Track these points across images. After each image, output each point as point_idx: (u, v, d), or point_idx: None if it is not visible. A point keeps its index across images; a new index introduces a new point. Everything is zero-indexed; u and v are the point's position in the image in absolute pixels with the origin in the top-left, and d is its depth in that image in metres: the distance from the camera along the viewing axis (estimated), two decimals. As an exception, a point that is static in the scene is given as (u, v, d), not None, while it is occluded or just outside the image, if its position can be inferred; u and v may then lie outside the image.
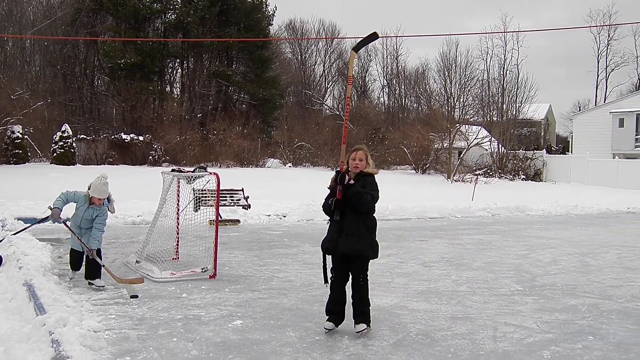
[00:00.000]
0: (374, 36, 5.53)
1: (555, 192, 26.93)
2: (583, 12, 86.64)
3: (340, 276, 5.37)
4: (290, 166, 37.77)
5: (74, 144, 31.09)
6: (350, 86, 5.82)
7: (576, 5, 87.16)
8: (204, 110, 42.91)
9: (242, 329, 5.48)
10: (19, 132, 29.33)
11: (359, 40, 5.66)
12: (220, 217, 11.34)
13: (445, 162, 35.52)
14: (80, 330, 4.80)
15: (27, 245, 8.19)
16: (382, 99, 65.05)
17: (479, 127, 39.27)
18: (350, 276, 5.38)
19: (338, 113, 52.99)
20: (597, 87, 60.98)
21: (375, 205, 5.34)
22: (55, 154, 29.94)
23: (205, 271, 7.63)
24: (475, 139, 36.21)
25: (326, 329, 5.37)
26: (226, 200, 14.37)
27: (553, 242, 11.85)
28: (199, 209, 9.75)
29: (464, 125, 37.85)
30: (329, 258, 5.42)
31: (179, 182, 8.58)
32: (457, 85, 44.23)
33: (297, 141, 39.20)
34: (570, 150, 43.06)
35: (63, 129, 30.34)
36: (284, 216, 14.49)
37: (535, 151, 39.31)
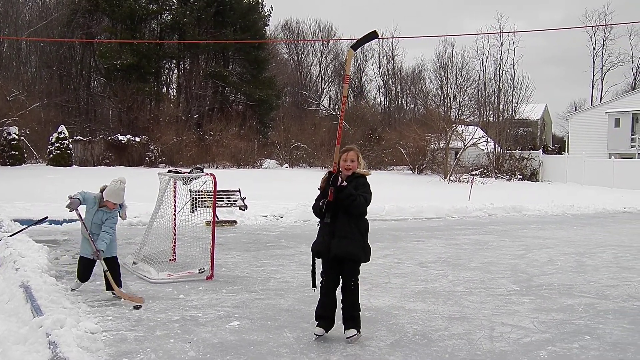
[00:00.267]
0: (373, 35, 5.38)
1: (552, 192, 26.99)
2: (579, 13, 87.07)
3: (331, 280, 5.23)
4: (287, 167, 37.78)
5: (71, 145, 31.06)
6: (347, 85, 5.66)
7: (572, 5, 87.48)
8: (201, 111, 42.89)
9: (240, 330, 5.48)
10: (15, 133, 29.29)
11: (358, 38, 5.48)
12: (217, 218, 11.32)
13: (441, 163, 35.58)
14: (77, 332, 4.79)
15: (23, 246, 8.19)
16: (378, 99, 65.25)
17: (476, 128, 39.33)
18: (341, 280, 5.25)
19: (335, 114, 53.08)
20: (592, 87, 61.30)
21: (368, 207, 5.22)
22: (51, 155, 29.90)
23: (202, 272, 7.62)
24: (471, 139, 36.28)
25: (316, 334, 5.22)
26: (223, 201, 14.35)
27: (549, 242, 11.87)
28: (196, 210, 9.75)
29: (460, 126, 37.94)
30: (318, 261, 5.26)
31: (175, 183, 8.57)
32: (454, 85, 44.36)
33: (293, 142, 39.21)
34: (566, 150, 43.17)
35: (59, 130, 30.31)
36: (281, 217, 14.49)
37: (532, 151, 39.42)
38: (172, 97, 45.15)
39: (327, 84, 65.62)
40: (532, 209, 18.25)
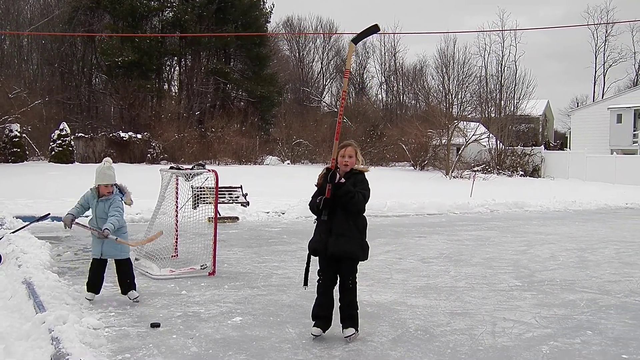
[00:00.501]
0: (374, 28, 5.25)
1: (554, 188, 26.95)
2: (581, 9, 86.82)
3: (328, 278, 5.12)
4: (288, 163, 37.75)
5: (72, 142, 31.07)
6: (347, 79, 5.55)
7: (574, 1, 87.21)
8: (202, 108, 42.87)
9: (242, 326, 5.49)
10: (17, 130, 29.31)
11: (359, 32, 5.30)
12: (219, 215, 11.34)
13: (443, 159, 35.55)
14: (79, 328, 4.80)
15: (26, 243, 8.22)
16: (380, 95, 65.14)
17: (477, 124, 39.28)
18: (338, 279, 5.14)
19: (336, 110, 52.93)
20: (594, 83, 61.15)
21: (366, 204, 5.09)
22: (53, 153, 29.92)
23: (204, 268, 7.64)
24: (473, 135, 36.23)
25: (313, 335, 5.10)
26: (225, 197, 14.37)
27: (551, 238, 11.87)
28: (198, 206, 9.75)
29: (462, 122, 37.86)
30: (314, 259, 5.17)
31: (177, 180, 8.58)
32: (455, 81, 44.27)
33: (295, 138, 39.18)
34: (568, 146, 43.09)
35: (61, 127, 30.32)
36: (283, 213, 14.50)
37: (534, 147, 39.37)
38: (174, 94, 45.12)
39: (328, 80, 65.59)
40: (534, 204, 18.23)
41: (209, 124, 37.88)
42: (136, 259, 8.07)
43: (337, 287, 5.20)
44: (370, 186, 5.12)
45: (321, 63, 65.57)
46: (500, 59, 44.09)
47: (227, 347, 4.88)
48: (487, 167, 36.38)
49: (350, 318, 5.11)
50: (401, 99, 63.74)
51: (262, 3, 47.10)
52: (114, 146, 33.60)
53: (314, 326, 5.14)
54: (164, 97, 40.58)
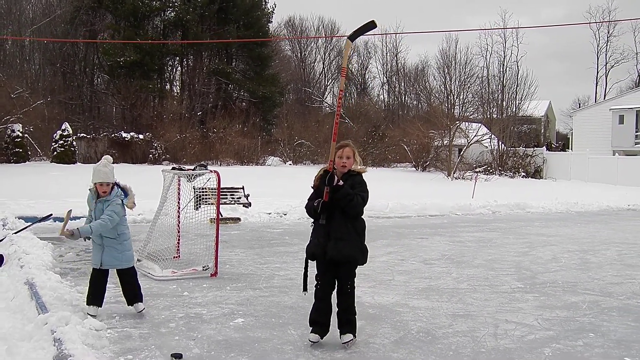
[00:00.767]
0: (371, 25, 5.10)
1: (556, 189, 26.93)
2: (582, 9, 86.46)
3: (327, 283, 4.97)
4: (290, 164, 37.77)
5: (74, 143, 31.12)
6: (344, 78, 5.39)
7: (575, 1, 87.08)
8: (204, 108, 42.91)
9: (244, 327, 5.49)
10: (19, 130, 29.36)
11: (356, 28, 5.14)
12: (221, 215, 11.34)
13: (445, 160, 35.53)
14: (82, 329, 4.80)
15: (28, 244, 8.22)
16: (381, 96, 65.19)
17: (479, 125, 39.29)
18: (337, 283, 5.02)
19: (338, 110, 52.92)
20: (596, 83, 61.04)
21: (365, 207, 4.96)
22: (55, 153, 29.97)
23: (206, 269, 7.64)
24: (475, 136, 36.23)
25: (311, 341, 4.97)
26: (227, 198, 14.38)
27: (553, 240, 11.85)
28: (200, 207, 9.77)
29: (463, 123, 37.87)
30: (312, 264, 5.04)
31: (179, 181, 8.59)
32: (457, 82, 44.39)
33: (297, 139, 39.20)
34: (570, 147, 43.04)
35: (63, 127, 30.36)
36: (285, 214, 14.49)
37: (535, 148, 39.35)
38: (176, 94, 45.17)
39: (330, 80, 65.64)
40: (535, 206, 18.21)
41: (211, 125, 37.92)
42: (138, 260, 8.08)
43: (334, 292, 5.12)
44: (370, 187, 5.04)
45: (323, 63, 65.66)
46: (502, 59, 44.14)
47: (229, 349, 4.88)
48: (489, 168, 36.36)
49: (348, 323, 5.00)
50: (403, 99, 63.81)
51: (263, 3, 47.16)
52: (116, 146, 33.65)
53: (311, 332, 5.02)
54: (165, 98, 40.64)
